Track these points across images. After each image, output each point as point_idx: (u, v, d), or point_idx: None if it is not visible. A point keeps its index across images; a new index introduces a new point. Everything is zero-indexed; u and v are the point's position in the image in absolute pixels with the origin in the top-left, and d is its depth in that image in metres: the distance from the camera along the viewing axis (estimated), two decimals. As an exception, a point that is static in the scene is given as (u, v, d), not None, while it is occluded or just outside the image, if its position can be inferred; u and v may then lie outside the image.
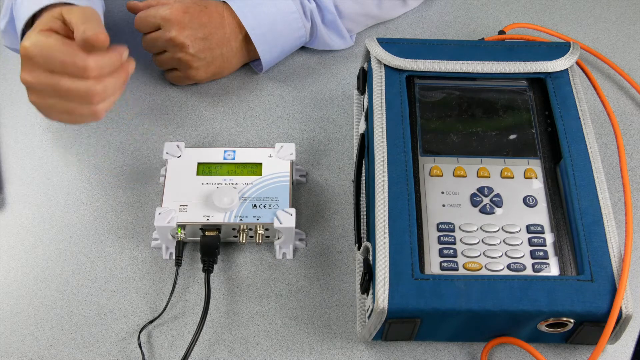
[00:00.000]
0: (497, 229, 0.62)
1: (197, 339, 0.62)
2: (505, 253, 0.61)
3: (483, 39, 0.82)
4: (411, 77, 0.71)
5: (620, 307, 0.56)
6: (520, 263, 0.60)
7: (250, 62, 0.85)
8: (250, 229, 0.67)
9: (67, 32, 0.63)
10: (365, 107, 0.72)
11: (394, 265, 0.58)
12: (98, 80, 0.62)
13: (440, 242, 0.61)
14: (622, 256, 0.59)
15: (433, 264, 0.60)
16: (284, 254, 0.69)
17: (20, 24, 0.69)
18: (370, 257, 0.60)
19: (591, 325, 0.58)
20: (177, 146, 0.71)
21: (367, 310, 0.61)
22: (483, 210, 0.63)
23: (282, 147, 0.71)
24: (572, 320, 0.57)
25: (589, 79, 0.78)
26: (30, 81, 0.63)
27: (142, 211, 0.72)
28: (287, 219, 0.66)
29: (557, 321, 0.58)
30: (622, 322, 0.57)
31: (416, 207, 0.62)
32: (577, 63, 0.75)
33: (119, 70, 0.64)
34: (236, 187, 0.68)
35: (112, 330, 0.64)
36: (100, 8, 0.80)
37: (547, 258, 0.60)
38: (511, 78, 0.71)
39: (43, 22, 0.64)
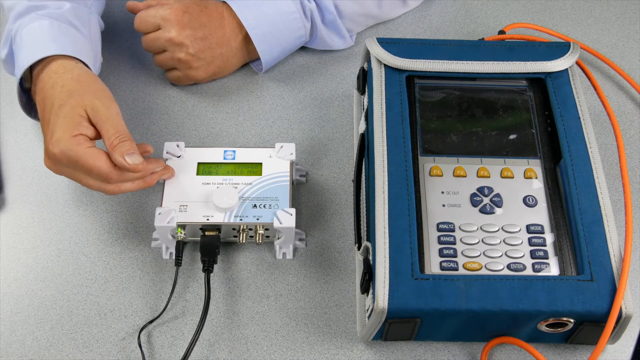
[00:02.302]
0: (497, 229, 0.62)
1: (197, 339, 0.62)
2: (505, 253, 0.61)
3: (483, 39, 0.82)
4: (411, 77, 0.71)
5: (620, 307, 0.56)
6: (520, 263, 0.60)
7: (250, 62, 0.85)
8: (250, 229, 0.67)
9: (94, 135, 0.65)
10: (365, 107, 0.72)
11: (394, 265, 0.58)
12: (116, 186, 0.65)
13: (440, 242, 0.61)
14: (622, 256, 0.59)
15: (433, 264, 0.60)
16: (284, 254, 0.69)
17: (19, 72, 0.69)
18: (370, 257, 0.60)
19: (591, 325, 0.58)
20: (177, 146, 0.71)
21: (367, 310, 0.61)
22: (483, 210, 0.63)
23: (282, 147, 0.71)
24: (572, 320, 0.57)
25: (589, 79, 0.78)
26: (52, 169, 0.66)
27: (142, 211, 0.72)
28: (287, 219, 0.66)
29: (557, 321, 0.58)
30: (622, 322, 0.57)
31: (416, 207, 0.62)
32: (577, 63, 0.75)
33: (139, 181, 0.66)
34: (236, 187, 0.68)
35: (112, 330, 0.64)
36: (101, 7, 0.80)
37: (547, 258, 0.60)
38: (511, 78, 0.71)
39: (69, 117, 0.64)
